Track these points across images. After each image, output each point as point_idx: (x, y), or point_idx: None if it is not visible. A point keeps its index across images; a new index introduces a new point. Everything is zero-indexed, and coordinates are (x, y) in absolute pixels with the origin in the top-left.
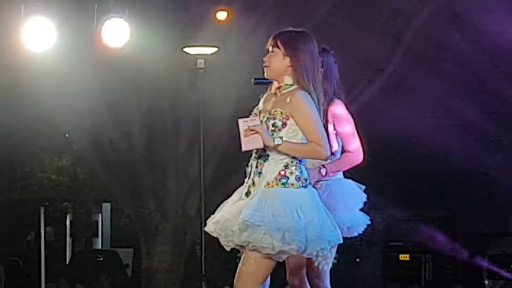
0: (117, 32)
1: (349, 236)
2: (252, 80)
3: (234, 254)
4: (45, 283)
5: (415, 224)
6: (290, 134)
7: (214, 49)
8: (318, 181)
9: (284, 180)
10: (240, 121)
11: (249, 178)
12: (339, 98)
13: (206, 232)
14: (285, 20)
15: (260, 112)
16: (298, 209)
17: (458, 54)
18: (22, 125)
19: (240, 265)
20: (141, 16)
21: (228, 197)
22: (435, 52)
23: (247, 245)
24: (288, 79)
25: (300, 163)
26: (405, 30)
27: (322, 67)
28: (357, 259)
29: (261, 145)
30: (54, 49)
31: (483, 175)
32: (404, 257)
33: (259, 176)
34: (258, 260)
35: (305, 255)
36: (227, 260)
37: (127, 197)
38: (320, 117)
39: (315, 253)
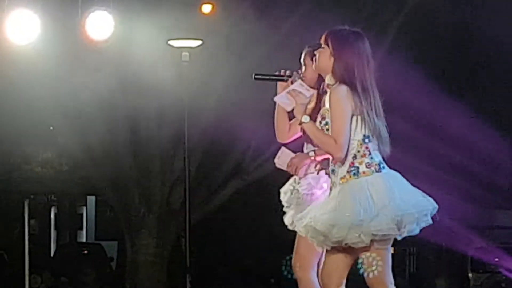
0: (101, 25)
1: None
2: (253, 75)
3: (219, 247)
4: (29, 275)
5: None
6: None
7: (199, 42)
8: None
9: (354, 171)
10: (298, 82)
11: (331, 180)
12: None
13: (190, 225)
14: (269, 14)
15: (311, 111)
16: (369, 197)
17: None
18: (5, 118)
19: (324, 263)
20: (126, 8)
21: (211, 191)
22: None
23: (342, 244)
24: (331, 79)
25: (368, 150)
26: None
27: None
28: None
29: (288, 109)
30: (38, 42)
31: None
32: None
33: (334, 174)
34: (337, 257)
35: (404, 234)
36: (212, 253)
37: (111, 190)
38: (374, 115)
39: (411, 231)
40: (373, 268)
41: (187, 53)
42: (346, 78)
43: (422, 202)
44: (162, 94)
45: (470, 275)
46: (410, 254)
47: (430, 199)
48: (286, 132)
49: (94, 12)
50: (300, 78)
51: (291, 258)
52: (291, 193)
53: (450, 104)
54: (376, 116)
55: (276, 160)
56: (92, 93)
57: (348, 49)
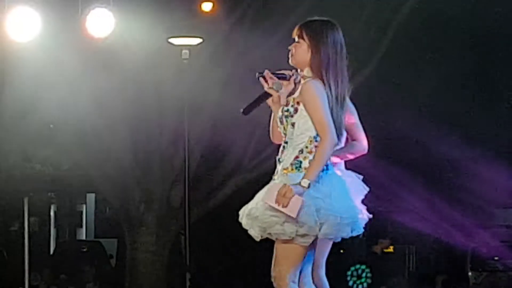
0: (101, 22)
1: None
2: (256, 74)
3: (218, 245)
4: (29, 273)
5: (399, 216)
6: (301, 120)
7: (199, 40)
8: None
9: (297, 165)
10: (268, 201)
11: (276, 167)
12: None
13: (190, 223)
14: (270, 12)
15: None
16: (309, 193)
17: None
18: (5, 115)
19: (274, 256)
20: (126, 6)
21: (213, 188)
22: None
23: (269, 234)
24: (308, 71)
25: (315, 148)
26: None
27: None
28: (341, 251)
29: (300, 202)
30: (38, 39)
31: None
32: (387, 248)
33: (280, 164)
34: (284, 247)
35: (322, 237)
36: (211, 251)
37: (111, 187)
38: (339, 108)
39: (332, 234)
40: (284, 263)
41: (187, 51)
42: (323, 70)
43: (353, 210)
44: (162, 92)
45: (469, 273)
46: (409, 253)
47: (364, 211)
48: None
49: (94, 10)
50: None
51: None
52: None
53: None
54: (341, 108)
55: None
56: (92, 91)
57: (324, 42)
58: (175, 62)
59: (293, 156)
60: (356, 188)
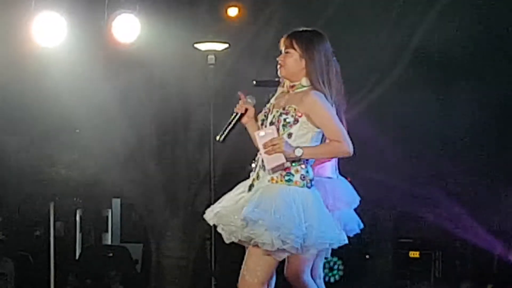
0: (127, 28)
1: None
2: (253, 82)
3: (244, 251)
4: (55, 278)
5: (425, 221)
6: (301, 131)
7: (225, 45)
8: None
9: (288, 177)
10: (257, 135)
11: (254, 171)
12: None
13: (215, 228)
14: (295, 17)
15: (273, 107)
16: (300, 209)
17: None
18: (32, 120)
19: (243, 263)
20: (152, 11)
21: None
22: None
23: (250, 241)
24: (306, 81)
25: (307, 162)
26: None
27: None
28: (367, 256)
29: (283, 161)
30: (64, 44)
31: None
32: (413, 254)
33: (264, 170)
34: (259, 257)
35: (305, 255)
36: (237, 256)
37: (137, 192)
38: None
39: (315, 253)
40: (257, 271)
41: (213, 56)
42: (320, 78)
43: (332, 232)
44: (188, 97)
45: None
46: (435, 259)
47: (342, 233)
48: None
49: (120, 15)
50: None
51: None
52: None
53: None
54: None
55: None
56: (118, 96)
57: (316, 50)
58: (201, 67)
59: (284, 167)
60: (349, 197)
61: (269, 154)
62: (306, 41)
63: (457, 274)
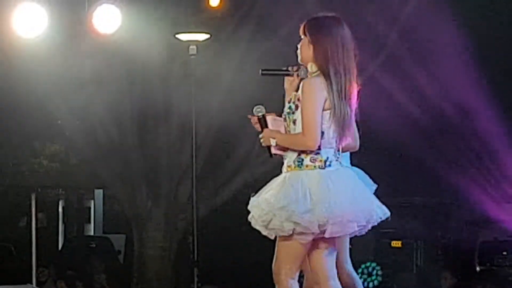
0: (108, 18)
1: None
2: (260, 71)
3: (226, 240)
4: (37, 269)
5: (407, 211)
6: (300, 116)
7: (207, 36)
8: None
9: (299, 162)
10: (269, 119)
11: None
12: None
13: (197, 219)
14: (277, 6)
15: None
16: (307, 189)
17: None
18: (13, 111)
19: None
20: (133, 1)
21: (220, 184)
22: None
23: (271, 231)
24: (312, 66)
25: (319, 146)
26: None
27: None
28: (350, 246)
29: (276, 151)
30: (45, 35)
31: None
32: (396, 243)
33: (284, 162)
34: (283, 244)
35: (326, 235)
36: (219, 246)
37: (119, 183)
38: (342, 101)
39: (338, 233)
40: (285, 263)
41: (194, 47)
42: (324, 64)
43: (362, 208)
44: (170, 88)
45: (477, 268)
46: (417, 248)
47: (379, 208)
48: None
49: (101, 6)
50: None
51: None
52: None
53: None
54: (345, 100)
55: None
56: (99, 87)
57: (323, 35)
58: (182, 58)
59: (296, 153)
60: (366, 183)
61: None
62: (314, 26)
63: (439, 263)
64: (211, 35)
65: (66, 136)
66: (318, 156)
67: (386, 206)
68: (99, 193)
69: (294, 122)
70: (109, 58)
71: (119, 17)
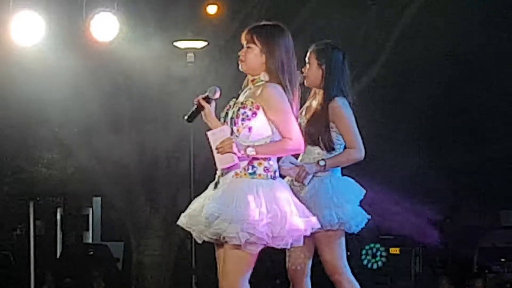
0: (106, 26)
1: (349, 232)
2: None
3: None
4: (35, 277)
5: (406, 218)
6: (259, 123)
7: (204, 43)
8: (316, 174)
9: (251, 171)
10: (209, 134)
11: (219, 168)
12: (344, 96)
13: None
14: (274, 14)
15: (234, 103)
16: (263, 200)
17: None
18: (10, 119)
19: (221, 264)
20: (130, 9)
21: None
22: None
23: (219, 237)
24: (265, 76)
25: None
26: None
27: (323, 63)
28: (348, 253)
29: (235, 161)
30: (43, 43)
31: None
32: (394, 250)
33: (219, 169)
34: (235, 255)
35: (277, 246)
36: None
37: (117, 191)
38: (293, 110)
39: (287, 244)
40: (234, 271)
41: (192, 54)
42: (279, 73)
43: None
44: (168, 95)
45: (475, 275)
46: (416, 255)
47: (309, 219)
48: None
49: (98, 14)
50: (302, 76)
51: None
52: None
53: None
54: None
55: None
56: (97, 94)
57: (276, 45)
58: (180, 65)
59: (247, 161)
60: (353, 191)
61: (221, 154)
62: (266, 35)
63: (437, 270)
64: (208, 43)
65: (64, 144)
66: (271, 167)
67: (385, 212)
68: (97, 200)
69: (249, 129)
70: (107, 66)
71: (116, 25)
